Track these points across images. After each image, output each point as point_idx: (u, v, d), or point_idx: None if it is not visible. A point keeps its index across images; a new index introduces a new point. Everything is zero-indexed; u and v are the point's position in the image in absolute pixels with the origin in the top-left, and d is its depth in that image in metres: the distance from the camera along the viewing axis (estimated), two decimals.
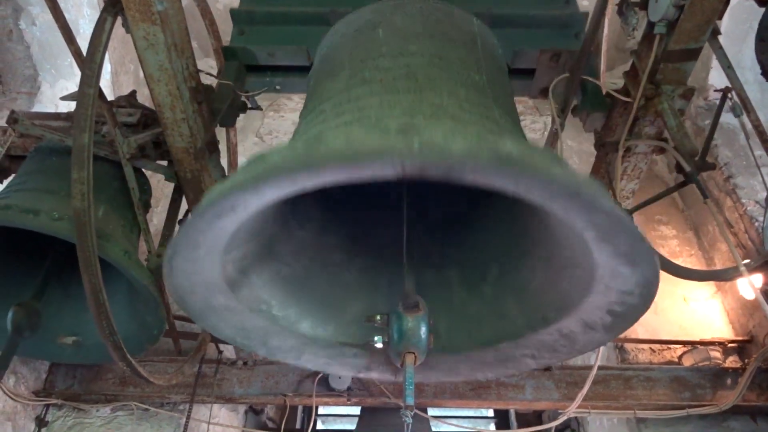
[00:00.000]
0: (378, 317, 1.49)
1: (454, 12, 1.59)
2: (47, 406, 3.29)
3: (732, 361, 3.49)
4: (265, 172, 0.88)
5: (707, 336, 3.61)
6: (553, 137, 2.42)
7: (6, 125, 2.33)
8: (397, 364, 1.35)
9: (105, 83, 3.97)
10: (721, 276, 2.26)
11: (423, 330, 1.34)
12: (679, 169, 1.83)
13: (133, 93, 2.62)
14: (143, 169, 2.46)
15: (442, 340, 1.55)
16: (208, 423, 3.27)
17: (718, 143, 3.94)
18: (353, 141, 0.83)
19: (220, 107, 2.27)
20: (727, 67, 1.99)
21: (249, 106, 2.36)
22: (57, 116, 2.67)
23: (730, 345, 3.52)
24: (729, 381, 3.28)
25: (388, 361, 1.51)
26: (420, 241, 1.88)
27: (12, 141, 2.36)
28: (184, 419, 3.19)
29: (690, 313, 3.81)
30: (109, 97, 4.21)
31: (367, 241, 1.91)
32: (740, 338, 3.53)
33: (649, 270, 1.05)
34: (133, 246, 2.39)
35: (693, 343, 3.51)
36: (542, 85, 2.22)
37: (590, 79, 2.02)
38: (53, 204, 2.07)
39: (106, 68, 3.89)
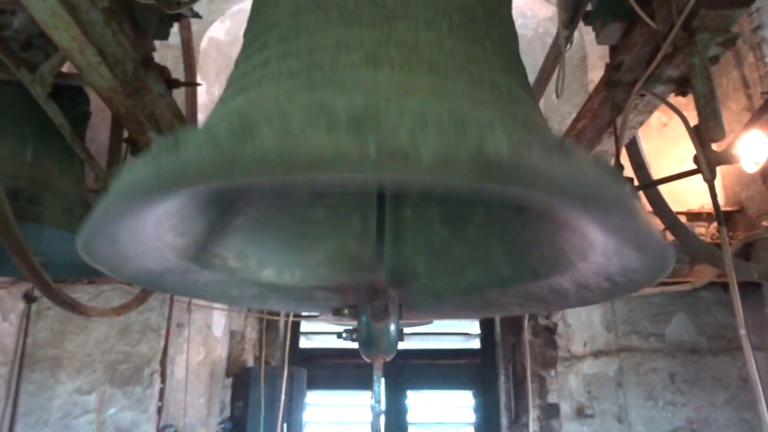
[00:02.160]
0: (346, 311, 1.43)
1: None
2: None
3: (715, 228, 3.46)
4: (175, 176, 0.66)
5: (697, 203, 3.53)
6: (556, 56, 2.00)
7: None
8: (367, 360, 1.30)
9: None
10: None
11: (392, 333, 1.28)
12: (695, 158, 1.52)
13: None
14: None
15: (422, 283, 1.47)
16: (189, 303, 3.36)
17: None
18: (286, 146, 0.59)
19: (148, 21, 1.83)
20: None
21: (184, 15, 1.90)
22: None
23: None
24: None
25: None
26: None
27: None
28: (169, 297, 3.27)
29: None
30: None
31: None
32: (729, 208, 3.46)
33: (660, 259, 0.89)
34: (77, 182, 2.15)
35: (680, 214, 3.44)
36: None
37: None
38: None
39: None
